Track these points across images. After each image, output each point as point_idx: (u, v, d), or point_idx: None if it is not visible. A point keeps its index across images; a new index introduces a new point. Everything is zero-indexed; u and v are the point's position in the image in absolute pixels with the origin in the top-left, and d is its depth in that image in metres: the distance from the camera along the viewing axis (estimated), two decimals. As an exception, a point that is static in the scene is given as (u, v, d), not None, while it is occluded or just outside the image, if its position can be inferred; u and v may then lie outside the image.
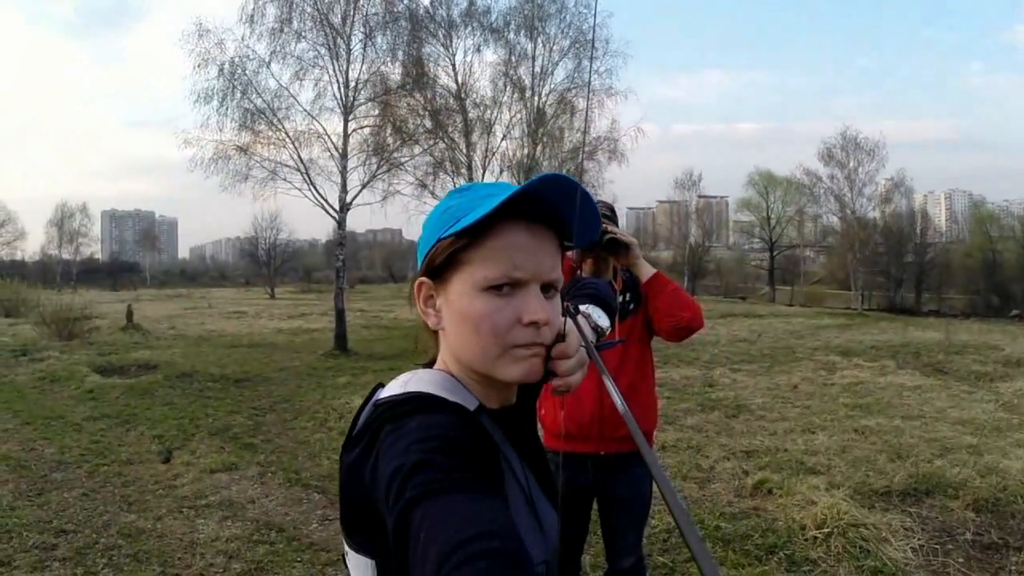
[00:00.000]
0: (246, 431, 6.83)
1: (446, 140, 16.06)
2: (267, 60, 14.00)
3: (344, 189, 14.45)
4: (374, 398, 0.83)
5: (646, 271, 2.40)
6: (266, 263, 52.01)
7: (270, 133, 14.33)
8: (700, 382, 9.37)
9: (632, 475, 2.45)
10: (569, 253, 1.70)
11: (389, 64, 14.92)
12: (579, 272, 2.45)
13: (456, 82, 16.28)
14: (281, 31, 13.84)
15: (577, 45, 16.96)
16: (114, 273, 69.14)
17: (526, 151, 16.99)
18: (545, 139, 17.25)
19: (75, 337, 14.27)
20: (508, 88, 16.97)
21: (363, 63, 14.50)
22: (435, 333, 0.89)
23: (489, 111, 16.94)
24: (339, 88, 14.29)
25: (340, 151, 14.35)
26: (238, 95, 13.87)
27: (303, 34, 14.03)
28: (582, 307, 1.18)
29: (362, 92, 14.60)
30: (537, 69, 17.00)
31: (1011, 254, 42.54)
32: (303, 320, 21.35)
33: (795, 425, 6.81)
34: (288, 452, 6.11)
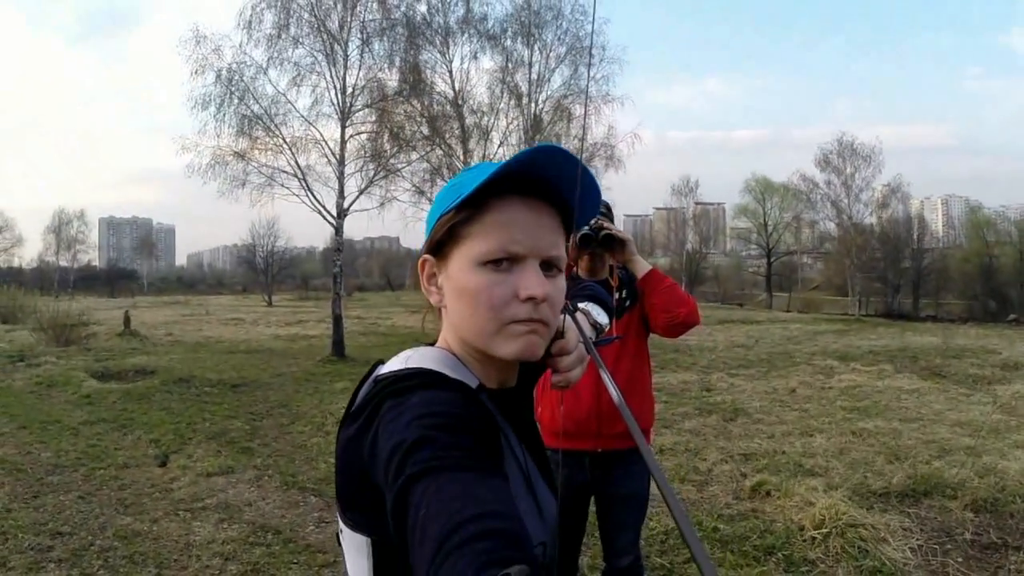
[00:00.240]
0: (243, 435, 6.81)
1: (443, 147, 16.06)
2: (264, 66, 14.02)
3: (341, 195, 14.45)
4: (374, 374, 0.83)
5: (642, 267, 2.41)
6: (263, 270, 52.03)
7: (267, 139, 14.34)
8: (698, 386, 9.37)
9: (630, 472, 2.45)
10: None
11: (386, 70, 14.94)
12: (575, 270, 2.46)
13: (453, 89, 16.29)
14: (279, 37, 13.86)
15: (573, 52, 16.96)
16: (112, 280, 69.08)
17: (523, 158, 16.95)
18: (542, 146, 17.22)
19: (72, 343, 14.25)
20: (505, 95, 16.98)
21: (360, 69, 14.53)
22: (439, 312, 0.88)
23: (486, 118, 16.95)
24: (336, 94, 14.30)
25: (337, 157, 14.36)
26: (235, 101, 13.89)
27: (300, 40, 14.05)
28: (580, 304, 1.19)
29: (359, 98, 14.61)
30: (534, 76, 17.01)
31: (1008, 259, 42.58)
32: (300, 327, 21.32)
33: (793, 428, 6.82)
34: (285, 456, 6.10)
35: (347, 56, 14.24)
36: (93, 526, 4.36)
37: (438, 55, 16.09)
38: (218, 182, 14.28)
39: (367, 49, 14.48)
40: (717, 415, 7.45)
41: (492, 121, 16.93)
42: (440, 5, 15.83)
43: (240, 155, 14.20)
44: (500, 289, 0.78)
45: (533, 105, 17.02)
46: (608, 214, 2.53)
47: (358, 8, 14.24)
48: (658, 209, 61.91)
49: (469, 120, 16.59)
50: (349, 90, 14.30)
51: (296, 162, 14.37)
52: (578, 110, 16.91)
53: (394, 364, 0.83)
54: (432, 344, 0.90)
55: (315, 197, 14.42)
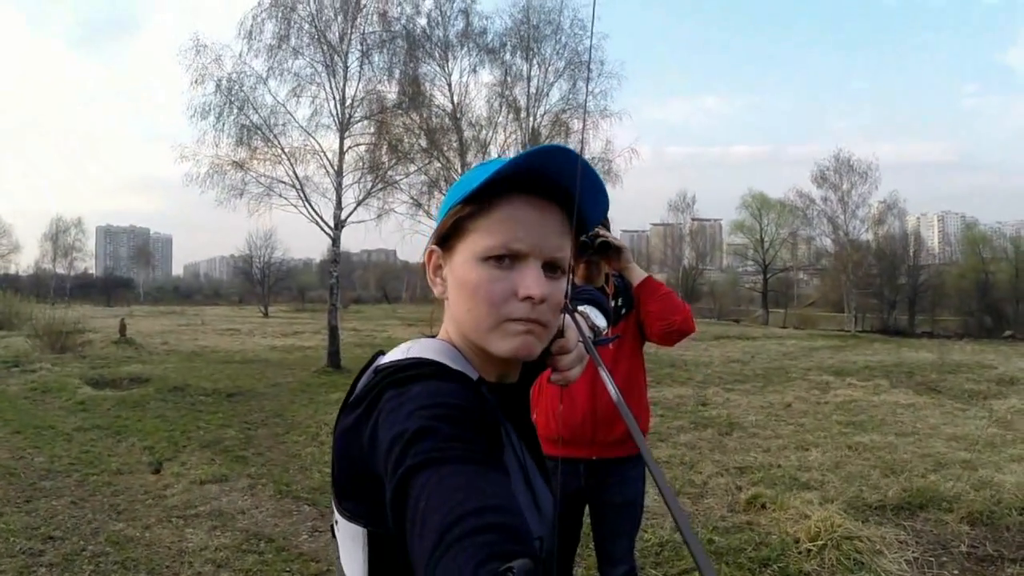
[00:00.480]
0: (237, 444, 6.78)
1: (441, 159, 16.12)
2: (264, 76, 14.11)
3: (339, 206, 14.49)
4: (375, 364, 0.83)
5: (637, 275, 2.41)
6: (260, 281, 51.92)
7: (266, 149, 14.40)
8: (693, 401, 9.36)
9: (626, 480, 2.45)
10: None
11: (385, 83, 15.04)
12: (571, 277, 2.45)
13: (452, 102, 16.37)
14: (279, 48, 13.95)
15: (572, 66, 17.05)
16: (108, 289, 68.99)
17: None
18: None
19: (67, 350, 14.23)
20: (503, 108, 17.06)
21: (360, 81, 14.62)
22: (443, 304, 0.89)
23: (484, 131, 17.02)
24: (335, 105, 14.37)
25: (335, 168, 14.41)
26: (235, 111, 13.96)
27: (301, 51, 14.14)
28: (579, 307, 1.19)
29: (358, 110, 14.68)
30: (532, 90, 17.10)
31: (1004, 275, 42.81)
32: (296, 338, 21.29)
33: (788, 442, 6.81)
34: (279, 465, 6.07)
35: (347, 68, 14.33)
36: (85, 531, 4.33)
37: (437, 68, 16.21)
38: (216, 191, 14.36)
39: (367, 61, 14.60)
40: (713, 429, 7.43)
41: (490, 135, 17.02)
42: (440, 19, 15.96)
43: (239, 165, 14.25)
44: (499, 285, 0.78)
45: (531, 119, 17.10)
46: (605, 222, 2.54)
47: (359, 20, 14.35)
48: (655, 225, 62.08)
49: (467, 133, 16.67)
50: (348, 102, 14.37)
51: (294, 172, 14.44)
52: (576, 124, 16.99)
53: (395, 354, 0.83)
54: (433, 336, 0.90)
55: (313, 208, 14.49)
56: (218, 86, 13.87)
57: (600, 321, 1.22)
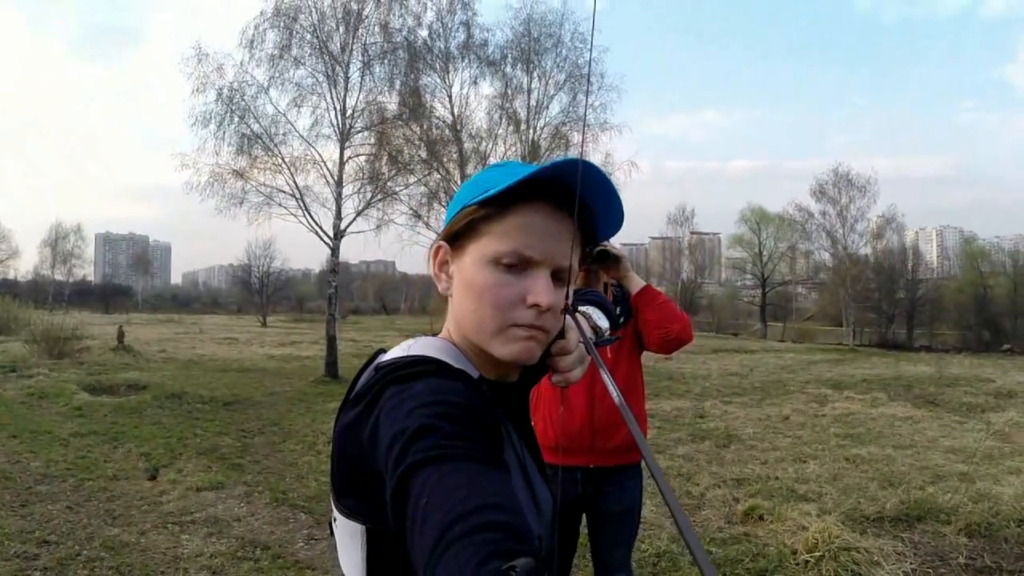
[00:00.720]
0: (234, 452, 6.77)
1: (441, 171, 16.15)
2: (266, 86, 14.16)
3: (338, 216, 14.51)
4: (376, 362, 0.83)
5: (636, 284, 2.41)
6: (259, 291, 51.87)
7: (266, 158, 14.43)
8: (691, 413, 9.35)
9: (624, 488, 2.44)
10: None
11: (386, 94, 15.09)
12: (572, 279, 2.46)
13: (452, 113, 16.42)
14: (280, 57, 14.00)
15: (572, 79, 17.12)
16: (106, 296, 68.84)
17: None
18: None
19: (65, 356, 14.21)
20: (503, 121, 17.11)
21: (360, 92, 14.67)
22: (446, 301, 0.89)
23: (484, 143, 17.06)
24: (336, 116, 14.41)
25: (335, 178, 14.44)
26: (236, 119, 14.00)
27: (302, 61, 14.20)
28: (582, 308, 1.20)
29: (359, 120, 14.73)
30: (532, 102, 17.16)
31: (1002, 289, 42.90)
32: (294, 348, 21.26)
33: (786, 454, 6.81)
34: (276, 473, 6.05)
35: (348, 78, 14.39)
36: (80, 536, 4.32)
37: (438, 80, 16.27)
38: (216, 200, 14.38)
39: (368, 72, 14.65)
40: (710, 441, 7.43)
41: (490, 147, 17.06)
42: (441, 30, 16.02)
43: (239, 173, 14.28)
44: (508, 291, 0.79)
45: (531, 131, 17.15)
46: None
47: (360, 31, 14.41)
48: (654, 238, 62.09)
49: (467, 145, 16.71)
50: (349, 112, 14.42)
51: (294, 182, 14.47)
52: (576, 137, 17.03)
53: (396, 352, 0.83)
54: (435, 334, 0.90)
55: (312, 217, 14.50)
56: (219, 95, 13.92)
57: (603, 322, 1.22)
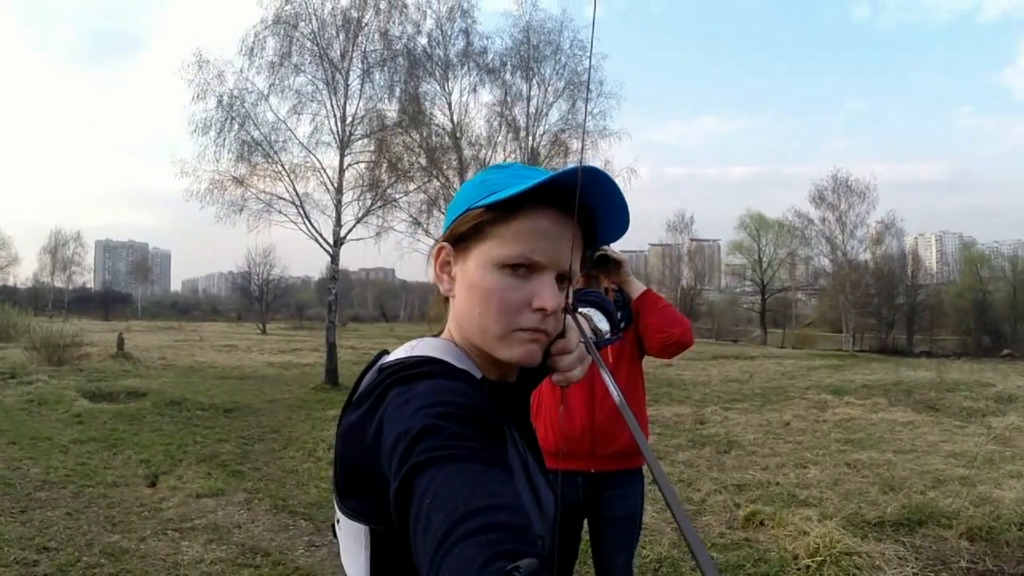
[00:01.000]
0: (234, 459, 6.76)
1: (440, 178, 16.16)
2: (266, 93, 14.20)
3: (338, 223, 14.52)
4: (379, 363, 0.83)
5: (636, 288, 2.41)
6: (258, 298, 51.85)
7: (267, 165, 14.45)
8: (691, 419, 9.34)
9: (625, 493, 2.43)
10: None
11: (386, 101, 15.14)
12: (572, 280, 2.46)
13: (452, 121, 16.44)
14: (280, 65, 14.04)
15: (571, 86, 17.15)
16: (106, 303, 68.93)
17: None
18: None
19: (64, 363, 14.21)
20: (503, 128, 17.11)
21: (360, 99, 14.71)
22: (446, 302, 0.89)
23: (484, 150, 17.06)
24: (336, 123, 14.44)
25: (335, 185, 14.45)
26: (236, 127, 14.02)
27: (302, 68, 14.24)
28: (582, 309, 1.20)
29: (359, 128, 14.75)
30: (532, 109, 17.16)
31: (1002, 294, 42.98)
32: (294, 355, 21.24)
33: (787, 460, 6.80)
34: (276, 480, 6.05)
35: (348, 85, 14.42)
36: (80, 543, 4.31)
37: (438, 87, 16.30)
38: (216, 207, 14.38)
39: (368, 79, 14.70)
40: (711, 447, 7.41)
41: (490, 154, 17.05)
42: (441, 38, 16.07)
43: (239, 181, 14.29)
44: (515, 294, 0.79)
45: (531, 139, 17.16)
46: None
47: (360, 39, 14.45)
48: (653, 245, 62.05)
49: (467, 152, 16.72)
50: (349, 119, 14.45)
51: (294, 189, 14.48)
52: (575, 144, 17.06)
53: (399, 353, 0.83)
54: (436, 335, 0.90)
55: (312, 225, 14.51)
56: (219, 102, 13.95)
57: (603, 324, 1.22)
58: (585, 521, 2.51)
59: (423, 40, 15.77)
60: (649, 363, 2.57)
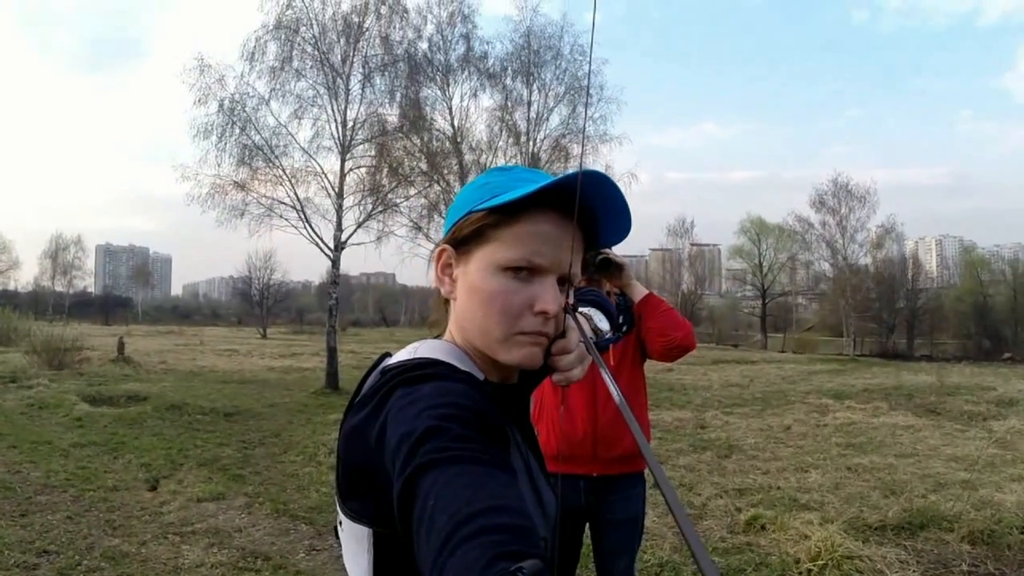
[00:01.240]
0: (235, 463, 6.75)
1: (441, 183, 16.15)
2: (267, 98, 14.22)
3: (339, 228, 14.53)
4: (382, 365, 0.83)
5: (639, 292, 2.41)
6: (259, 303, 51.88)
7: (267, 170, 14.46)
8: (692, 424, 9.33)
9: (627, 497, 2.43)
10: None
11: (387, 106, 15.15)
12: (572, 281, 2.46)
13: (452, 125, 16.44)
14: (281, 69, 14.05)
15: (572, 91, 17.13)
16: (106, 307, 68.91)
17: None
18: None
19: (65, 367, 14.20)
20: (503, 133, 17.09)
21: (361, 104, 14.73)
22: (447, 304, 0.89)
23: (484, 155, 17.03)
24: (337, 127, 14.46)
25: (336, 190, 14.47)
26: (237, 131, 14.04)
27: (303, 73, 14.26)
28: (583, 309, 1.20)
29: (359, 132, 14.78)
30: (532, 114, 17.15)
31: (1002, 298, 43.00)
32: (294, 359, 21.23)
33: (788, 464, 6.79)
34: (276, 484, 6.04)
35: (348, 90, 14.45)
36: (81, 546, 4.31)
37: (438, 92, 16.31)
38: (217, 211, 14.40)
39: (368, 84, 14.72)
40: (712, 451, 7.40)
41: (490, 159, 17.03)
42: (441, 43, 16.08)
43: (240, 185, 14.30)
44: (517, 297, 0.79)
45: (531, 144, 17.15)
46: None
47: (361, 43, 14.48)
48: (654, 250, 62.01)
49: (468, 157, 16.71)
50: (350, 124, 14.47)
51: (295, 194, 14.49)
52: (576, 149, 17.04)
53: (402, 355, 0.83)
54: (437, 337, 0.90)
55: (313, 229, 14.52)
56: (220, 106, 13.96)
57: (603, 324, 1.22)
58: (587, 525, 2.51)
59: (424, 45, 15.81)
60: (650, 368, 2.57)
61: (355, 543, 0.77)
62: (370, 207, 15.14)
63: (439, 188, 16.13)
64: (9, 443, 7.19)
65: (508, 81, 16.94)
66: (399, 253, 16.86)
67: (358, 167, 15.10)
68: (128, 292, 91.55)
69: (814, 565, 3.92)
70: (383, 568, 0.76)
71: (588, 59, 17.76)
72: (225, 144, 13.99)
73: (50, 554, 4.16)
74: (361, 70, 14.59)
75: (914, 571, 3.93)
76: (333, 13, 14.27)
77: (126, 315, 68.51)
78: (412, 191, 15.88)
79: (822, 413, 10.37)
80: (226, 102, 13.97)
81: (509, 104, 17.00)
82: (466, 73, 16.51)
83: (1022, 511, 4.78)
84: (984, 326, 41.47)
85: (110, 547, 4.30)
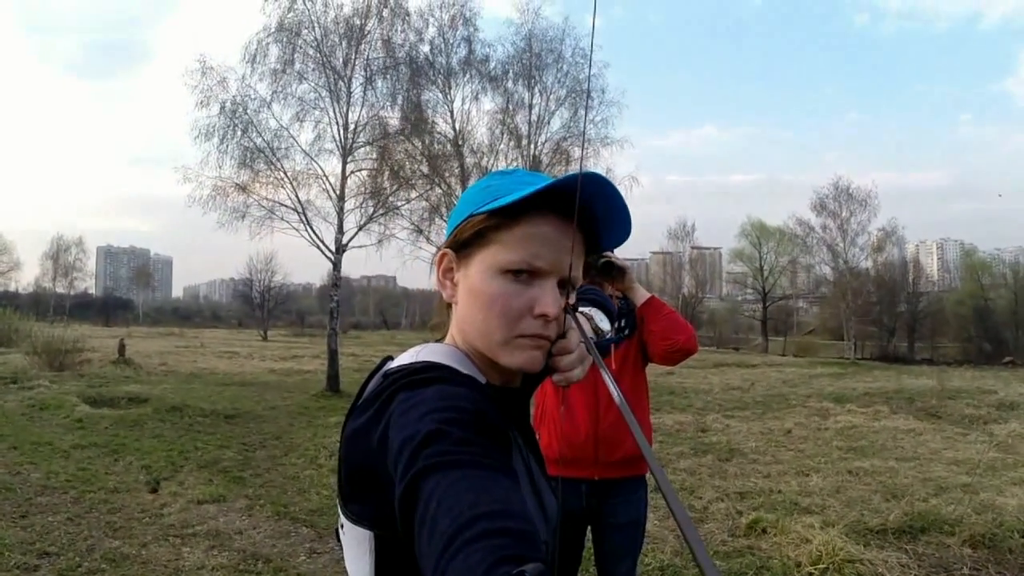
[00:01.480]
0: (235, 465, 6.75)
1: (442, 186, 16.16)
2: (268, 100, 14.24)
3: (340, 230, 14.53)
4: (384, 369, 0.83)
5: (641, 295, 2.41)
6: (260, 305, 51.88)
7: (269, 172, 14.47)
8: (693, 427, 9.33)
9: (629, 500, 2.43)
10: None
11: (388, 109, 15.15)
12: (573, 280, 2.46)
13: (454, 128, 16.45)
14: (283, 72, 14.08)
15: (573, 95, 17.12)
16: (107, 309, 68.96)
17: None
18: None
19: (66, 368, 14.21)
20: (505, 136, 17.12)
21: (363, 107, 14.75)
22: (449, 307, 0.89)
23: (486, 158, 17.03)
24: (338, 130, 14.47)
25: (337, 193, 14.47)
26: (239, 133, 14.05)
27: (305, 76, 14.28)
28: (583, 309, 1.20)
29: (361, 135, 14.78)
30: (534, 117, 17.16)
31: (1003, 301, 42.98)
32: (295, 362, 21.24)
33: (788, 467, 6.79)
34: (277, 487, 6.04)
35: (350, 93, 14.46)
36: (81, 548, 4.31)
37: (440, 95, 16.31)
38: (218, 213, 14.41)
39: (370, 87, 14.73)
40: (712, 455, 7.40)
41: (492, 161, 17.03)
42: (443, 46, 16.09)
43: (241, 187, 14.32)
44: (517, 300, 0.79)
45: (532, 147, 17.16)
46: None
47: (362, 46, 14.49)
48: (655, 253, 62.00)
49: (469, 160, 16.71)
50: (351, 127, 14.48)
51: (296, 196, 14.52)
52: (577, 152, 17.05)
53: (404, 358, 0.83)
54: (439, 341, 0.90)
55: (314, 232, 14.53)
56: (222, 108, 13.97)
57: (604, 324, 1.22)
58: (588, 528, 2.51)
59: (425, 48, 15.81)
60: (651, 371, 2.57)
61: (357, 546, 0.77)
62: (371, 210, 15.15)
63: (440, 191, 16.13)
64: (10, 444, 7.19)
65: (509, 84, 16.97)
66: (400, 256, 16.88)
67: (359, 170, 15.12)
68: (129, 294, 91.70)
69: (815, 569, 3.92)
70: (385, 571, 0.75)
71: (588, 62, 17.79)
72: (227, 146, 14.03)
73: (50, 556, 4.16)
74: (363, 73, 14.61)
75: (915, 575, 3.92)
76: (335, 16, 14.31)
77: (127, 317, 68.55)
78: (413, 194, 15.89)
79: (823, 417, 10.37)
80: (228, 104, 14.00)
81: (510, 107, 17.03)
82: (468, 76, 16.54)
83: (1023, 515, 4.77)
84: (985, 329, 41.42)
85: (111, 549, 4.30)
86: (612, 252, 2.47)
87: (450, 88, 16.37)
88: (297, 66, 14.17)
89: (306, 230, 14.49)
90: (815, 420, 10.03)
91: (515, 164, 16.97)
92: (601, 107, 17.34)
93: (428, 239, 16.21)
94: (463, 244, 0.84)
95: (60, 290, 60.16)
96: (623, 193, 0.82)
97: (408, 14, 15.08)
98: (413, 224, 16.24)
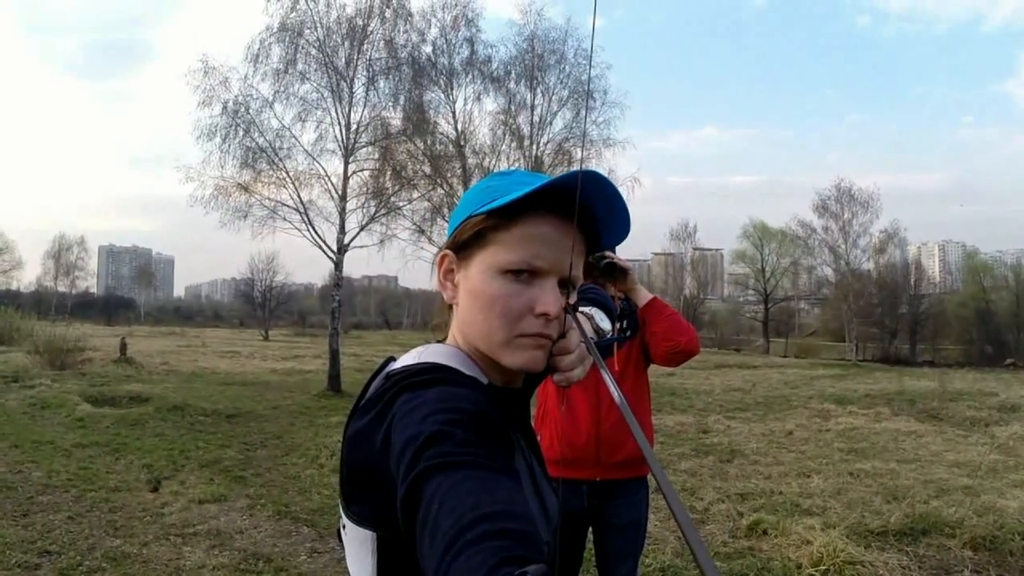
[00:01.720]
0: (236, 464, 6.76)
1: (444, 186, 16.14)
2: (270, 100, 14.24)
3: (342, 230, 14.53)
4: (386, 370, 0.83)
5: (643, 296, 2.41)
6: (261, 305, 51.88)
7: (271, 172, 14.47)
8: (694, 428, 9.32)
9: (630, 502, 2.43)
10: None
11: (390, 109, 15.15)
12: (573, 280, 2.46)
13: (456, 129, 16.43)
14: (285, 72, 14.08)
15: (576, 96, 17.05)
16: (109, 308, 69.04)
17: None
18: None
19: (67, 367, 14.24)
20: (507, 136, 17.08)
21: (365, 107, 14.74)
22: (451, 308, 0.89)
23: (488, 159, 17.01)
24: (340, 130, 14.47)
25: (339, 193, 14.47)
26: (241, 133, 14.05)
27: (307, 76, 14.28)
28: (584, 308, 1.20)
29: (363, 135, 14.78)
30: (536, 118, 17.13)
31: (1005, 303, 42.99)
32: (296, 361, 21.24)
33: (790, 469, 6.79)
34: (278, 486, 6.04)
35: (352, 93, 14.47)
36: (82, 547, 4.31)
37: (442, 95, 16.29)
38: (220, 213, 14.41)
39: (372, 87, 14.73)
40: (714, 456, 7.40)
41: (494, 162, 17.02)
42: (445, 47, 16.07)
43: (243, 187, 14.32)
44: (517, 300, 0.79)
45: (534, 147, 17.14)
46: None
47: (365, 47, 14.49)
48: (656, 254, 61.96)
49: (471, 161, 16.70)
50: (353, 127, 14.48)
51: (298, 196, 14.50)
52: (579, 153, 17.04)
53: (407, 359, 0.83)
54: (440, 342, 0.90)
55: (316, 232, 14.53)
56: (224, 108, 13.97)
57: (604, 324, 1.22)
58: (589, 529, 2.51)
59: (428, 49, 15.78)
60: (652, 372, 2.56)
61: (358, 546, 0.77)
62: (373, 210, 15.15)
63: (442, 191, 16.12)
64: (11, 443, 7.20)
65: (512, 85, 16.93)
66: (402, 256, 16.86)
67: (361, 170, 15.12)
68: (130, 293, 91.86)
69: (816, 570, 3.92)
70: (387, 572, 0.75)
71: (588, 63, 17.76)
72: (229, 146, 14.03)
73: (51, 554, 4.16)
74: (365, 73, 14.60)
75: (916, 577, 3.92)
76: (337, 16, 14.30)
77: (128, 316, 68.60)
78: (415, 194, 15.87)
79: (824, 418, 10.36)
80: (230, 104, 14.00)
81: (513, 108, 17.01)
82: (470, 77, 16.51)
83: (1024, 517, 4.77)
84: (986, 331, 41.43)
85: (112, 548, 4.31)
86: (613, 252, 2.47)
87: (452, 89, 16.36)
88: (299, 66, 14.17)
89: (308, 230, 14.50)
90: (816, 421, 10.02)
91: (517, 165, 16.96)
92: (603, 108, 17.32)
93: (430, 239, 16.20)
94: (463, 245, 0.84)
95: (62, 289, 60.26)
96: (624, 193, 0.82)
97: (411, 15, 15.09)
98: (415, 224, 16.24)
